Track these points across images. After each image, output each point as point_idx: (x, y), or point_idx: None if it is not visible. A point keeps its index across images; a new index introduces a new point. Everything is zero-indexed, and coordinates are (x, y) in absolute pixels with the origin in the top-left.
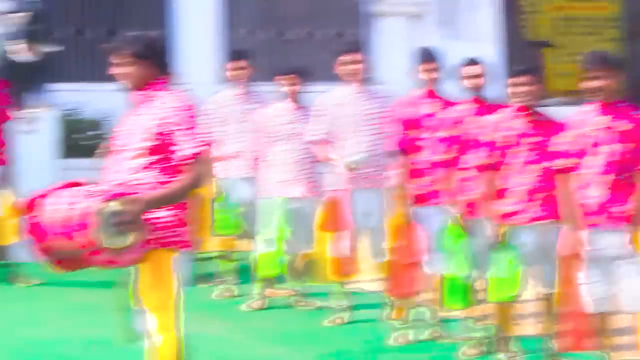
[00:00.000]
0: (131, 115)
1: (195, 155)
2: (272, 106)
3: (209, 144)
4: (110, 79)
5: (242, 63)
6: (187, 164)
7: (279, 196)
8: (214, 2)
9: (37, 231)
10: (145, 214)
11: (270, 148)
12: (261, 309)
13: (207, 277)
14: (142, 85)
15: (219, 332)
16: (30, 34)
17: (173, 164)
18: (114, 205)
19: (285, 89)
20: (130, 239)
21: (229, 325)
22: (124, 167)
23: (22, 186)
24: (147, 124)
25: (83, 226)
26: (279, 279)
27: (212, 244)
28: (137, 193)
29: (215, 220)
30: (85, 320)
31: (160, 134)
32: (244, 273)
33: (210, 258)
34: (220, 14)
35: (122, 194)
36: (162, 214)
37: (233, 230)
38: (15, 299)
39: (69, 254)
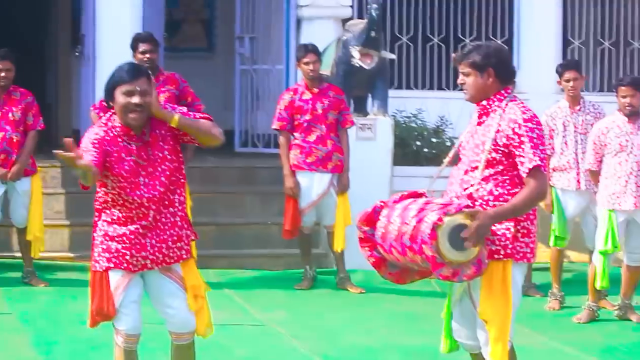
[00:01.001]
0: (472, 126)
1: (539, 167)
2: (607, 118)
3: (548, 155)
4: (449, 86)
5: (576, 74)
6: (531, 176)
7: (612, 208)
8: (555, 11)
9: (372, 242)
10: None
11: (606, 160)
12: (591, 321)
13: (537, 288)
14: (483, 95)
15: (549, 345)
16: (370, 41)
17: (513, 175)
18: (459, 219)
19: (623, 100)
20: (474, 252)
21: (559, 337)
22: (464, 179)
23: (358, 192)
24: (488, 135)
25: (423, 240)
26: (609, 291)
27: (543, 255)
28: (478, 206)
29: (558, 229)
30: (407, 329)
31: (502, 145)
32: (573, 284)
33: (540, 269)
34: (559, 24)
35: (466, 207)
36: (505, 225)
37: (564, 241)
38: (344, 306)
39: (404, 266)
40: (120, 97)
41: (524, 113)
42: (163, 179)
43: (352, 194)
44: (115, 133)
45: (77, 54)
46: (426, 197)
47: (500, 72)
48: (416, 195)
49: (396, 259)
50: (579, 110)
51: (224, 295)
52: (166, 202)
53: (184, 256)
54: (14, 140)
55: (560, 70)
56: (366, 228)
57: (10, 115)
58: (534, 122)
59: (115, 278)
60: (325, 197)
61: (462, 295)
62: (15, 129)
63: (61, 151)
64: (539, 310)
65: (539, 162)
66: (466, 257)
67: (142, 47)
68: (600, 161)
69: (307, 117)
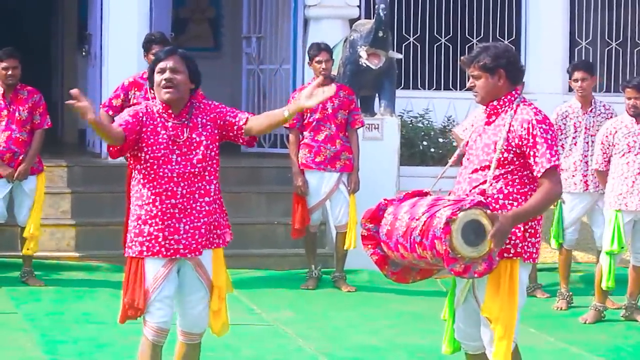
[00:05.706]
0: (480, 125)
1: (555, 167)
2: (615, 118)
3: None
4: (456, 86)
5: (585, 74)
6: (546, 177)
7: (619, 209)
8: (562, 11)
9: (376, 240)
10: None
11: (613, 160)
12: (597, 321)
13: (543, 289)
14: (494, 97)
15: (555, 345)
16: (377, 41)
17: (523, 175)
18: (472, 214)
19: (628, 102)
20: (486, 248)
21: (565, 337)
22: (473, 178)
23: (364, 192)
24: (499, 135)
25: (435, 235)
26: (616, 292)
27: (550, 255)
28: (490, 202)
29: (554, 231)
30: (413, 329)
31: (515, 146)
32: (580, 285)
33: (546, 270)
34: (566, 24)
35: (479, 203)
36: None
37: (558, 243)
38: (350, 306)
39: (407, 265)
40: (155, 76)
41: (536, 114)
42: (195, 161)
43: (358, 194)
44: (154, 109)
45: (83, 53)
46: (430, 195)
47: (510, 72)
48: (421, 194)
49: (401, 257)
50: (591, 111)
51: (230, 295)
52: (199, 186)
53: (218, 244)
54: (20, 139)
55: (570, 71)
56: (370, 225)
57: (17, 114)
58: (547, 124)
59: (154, 270)
60: (336, 196)
61: (467, 295)
62: (22, 129)
63: (72, 102)
64: (546, 310)
65: (555, 163)
66: (478, 253)
67: (155, 48)
68: (608, 161)
69: (317, 115)
